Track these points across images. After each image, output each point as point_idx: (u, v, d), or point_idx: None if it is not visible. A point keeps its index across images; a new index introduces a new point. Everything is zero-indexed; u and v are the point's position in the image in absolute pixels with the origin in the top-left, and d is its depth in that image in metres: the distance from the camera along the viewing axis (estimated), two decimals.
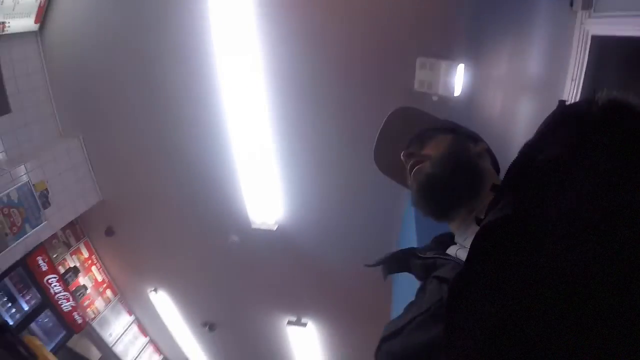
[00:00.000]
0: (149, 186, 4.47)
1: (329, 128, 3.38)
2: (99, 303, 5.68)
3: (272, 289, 4.80)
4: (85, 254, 5.41)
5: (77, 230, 5.23)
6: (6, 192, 3.87)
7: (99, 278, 5.68)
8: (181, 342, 6.35)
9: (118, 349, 6.05)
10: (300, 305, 4.83)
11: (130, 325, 6.35)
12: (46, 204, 4.35)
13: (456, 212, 0.77)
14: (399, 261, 0.84)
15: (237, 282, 4.89)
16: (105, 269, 5.81)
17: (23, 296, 4.60)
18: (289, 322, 4.93)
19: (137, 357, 6.50)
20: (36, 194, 4.18)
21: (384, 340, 0.71)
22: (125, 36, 3.59)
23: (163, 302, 5.69)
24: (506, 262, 0.48)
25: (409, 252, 0.82)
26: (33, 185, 4.13)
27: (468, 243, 0.67)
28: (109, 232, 5.16)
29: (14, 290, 4.53)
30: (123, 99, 3.99)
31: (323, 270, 4.27)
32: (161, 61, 3.58)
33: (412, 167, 0.81)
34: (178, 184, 4.24)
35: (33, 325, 4.75)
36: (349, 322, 4.80)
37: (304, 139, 3.52)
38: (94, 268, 5.55)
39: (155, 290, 5.54)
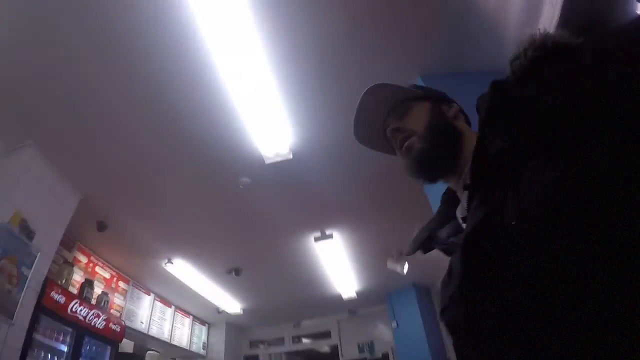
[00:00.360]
0: (136, 161, 3.63)
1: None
2: (117, 299, 5.14)
3: (292, 216, 4.55)
4: (84, 259, 4.62)
5: (65, 240, 4.42)
6: None
7: (107, 275, 5.03)
8: (208, 295, 6.21)
9: (153, 332, 5.81)
10: (323, 222, 4.68)
11: (153, 303, 6.06)
12: (30, 233, 3.50)
13: (446, 177, 0.85)
14: (424, 245, 0.93)
15: (254, 222, 4.60)
16: (108, 263, 5.15)
17: (57, 340, 3.93)
18: (316, 239, 4.84)
19: (172, 329, 6.38)
20: (16, 231, 3.34)
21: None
22: None
23: (181, 269, 5.32)
24: (490, 262, 0.56)
25: (428, 238, 0.90)
26: (8, 223, 3.26)
27: (464, 213, 0.76)
28: (101, 226, 4.45)
29: (47, 341, 3.76)
30: (57, 72, 2.79)
31: (345, 184, 4.06)
32: None
33: (402, 142, 0.86)
34: (170, 145, 3.49)
35: None
36: (371, 228, 4.85)
37: (299, 47, 2.73)
38: (97, 268, 4.84)
39: (169, 260, 5.10)
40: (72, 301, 4.06)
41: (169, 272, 5.35)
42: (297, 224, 4.64)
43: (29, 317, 3.38)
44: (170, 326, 6.31)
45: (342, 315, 7.75)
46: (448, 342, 6.49)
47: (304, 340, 8.14)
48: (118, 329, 4.74)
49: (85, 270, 4.65)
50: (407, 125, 0.87)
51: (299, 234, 4.82)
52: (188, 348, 6.68)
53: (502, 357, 0.54)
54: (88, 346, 4.27)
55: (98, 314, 4.41)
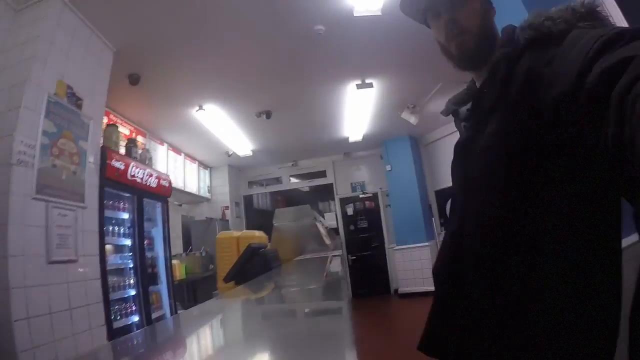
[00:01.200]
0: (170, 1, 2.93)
1: None
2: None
3: (340, 64, 4.23)
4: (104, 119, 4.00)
5: None
6: (39, 130, 2.38)
7: (126, 131, 4.49)
8: (225, 139, 5.89)
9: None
10: (366, 71, 4.53)
11: (167, 153, 5.60)
12: (79, 101, 2.83)
13: (475, 71, 0.95)
14: (449, 113, 1.09)
15: (301, 66, 4.22)
16: (126, 118, 4.60)
17: (118, 209, 3.51)
18: (358, 86, 4.78)
19: (184, 176, 6.13)
20: (64, 102, 2.64)
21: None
22: None
23: (211, 114, 4.87)
24: (467, 157, 0.90)
25: (455, 110, 1.05)
26: (55, 94, 2.53)
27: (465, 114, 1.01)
28: (134, 79, 3.71)
29: (110, 213, 3.39)
30: None
31: (398, 41, 3.80)
32: None
33: (456, 37, 0.89)
34: None
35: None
36: (402, 81, 4.86)
37: None
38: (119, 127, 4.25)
39: (201, 107, 4.62)
40: (129, 165, 3.57)
41: (191, 120, 4.98)
42: (341, 70, 4.45)
43: (97, 194, 2.96)
44: (183, 174, 6.05)
45: (337, 157, 7.98)
46: (430, 187, 7.49)
47: (301, 180, 8.46)
48: (167, 184, 4.41)
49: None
50: (461, 20, 0.88)
51: (340, 80, 4.70)
52: (197, 193, 6.59)
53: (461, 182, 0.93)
54: (147, 206, 3.98)
55: (151, 174, 3.99)
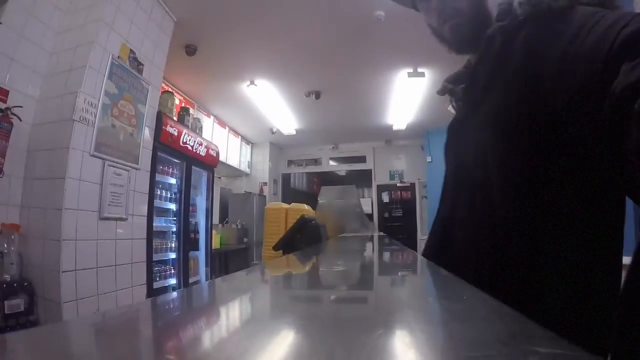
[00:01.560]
0: None
1: None
2: None
3: (395, 51, 4.19)
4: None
5: None
6: (102, 90, 2.46)
7: (176, 101, 4.62)
8: (271, 116, 5.95)
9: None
10: (420, 60, 4.44)
11: (213, 125, 5.73)
12: (140, 66, 2.90)
13: (469, 53, 0.91)
14: (446, 92, 1.06)
15: (357, 50, 4.18)
16: (177, 88, 4.72)
17: (167, 174, 3.63)
18: (409, 74, 4.71)
19: (227, 149, 6.24)
20: (126, 65, 2.71)
21: None
22: None
23: (262, 90, 4.91)
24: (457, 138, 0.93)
25: (451, 89, 1.01)
26: (118, 57, 2.60)
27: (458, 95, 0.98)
28: (191, 50, 3.78)
29: (159, 177, 3.50)
30: None
31: None
32: None
33: (449, 18, 0.85)
34: None
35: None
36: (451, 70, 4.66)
37: None
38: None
39: (252, 82, 4.66)
40: (182, 132, 3.66)
41: (241, 94, 5.04)
42: (395, 57, 4.39)
43: (150, 157, 3.05)
44: (226, 147, 6.15)
45: (378, 144, 7.90)
46: None
47: (339, 163, 8.45)
48: (214, 154, 4.52)
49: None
50: (453, 1, 0.85)
51: (392, 67, 4.65)
52: (238, 167, 6.70)
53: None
54: (192, 175, 4.10)
55: (201, 142, 4.10)
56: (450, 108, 1.04)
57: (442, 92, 1.04)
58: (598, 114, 0.51)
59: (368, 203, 7.87)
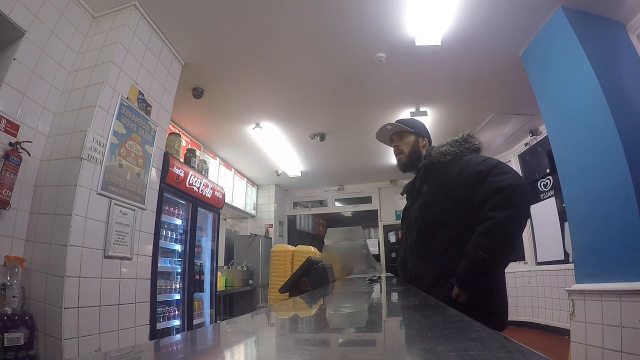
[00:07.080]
0: (246, 24, 3.04)
1: None
2: None
3: (396, 92, 4.28)
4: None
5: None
6: (110, 129, 2.52)
7: (183, 143, 4.70)
8: (276, 158, 6.01)
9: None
10: (421, 100, 4.55)
11: (219, 167, 5.78)
12: (148, 107, 2.98)
13: (411, 171, 1.86)
14: (405, 192, 1.96)
15: (358, 93, 4.25)
16: (183, 130, 4.79)
17: (173, 215, 3.62)
18: (412, 113, 4.74)
19: (233, 191, 6.25)
20: (135, 107, 2.79)
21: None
22: None
23: (267, 132, 4.98)
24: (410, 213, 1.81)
25: (408, 190, 1.93)
26: (127, 98, 2.69)
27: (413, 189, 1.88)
28: (197, 93, 3.89)
29: (165, 217, 3.51)
30: None
31: (455, 74, 3.83)
32: None
33: (398, 153, 1.85)
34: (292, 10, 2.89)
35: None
36: (451, 110, 4.83)
37: None
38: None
39: (257, 125, 4.74)
40: (189, 174, 3.70)
41: (246, 137, 5.13)
42: (397, 97, 4.48)
43: (156, 197, 3.05)
44: (231, 189, 6.19)
45: (383, 184, 7.91)
46: None
47: (345, 204, 8.43)
48: (220, 196, 4.52)
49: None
50: (402, 146, 1.86)
51: (395, 107, 4.73)
52: (244, 209, 6.70)
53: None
54: (197, 217, 4.09)
55: (207, 184, 4.11)
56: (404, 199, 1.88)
57: (402, 193, 1.91)
58: (473, 197, 1.45)
59: (375, 244, 7.77)
